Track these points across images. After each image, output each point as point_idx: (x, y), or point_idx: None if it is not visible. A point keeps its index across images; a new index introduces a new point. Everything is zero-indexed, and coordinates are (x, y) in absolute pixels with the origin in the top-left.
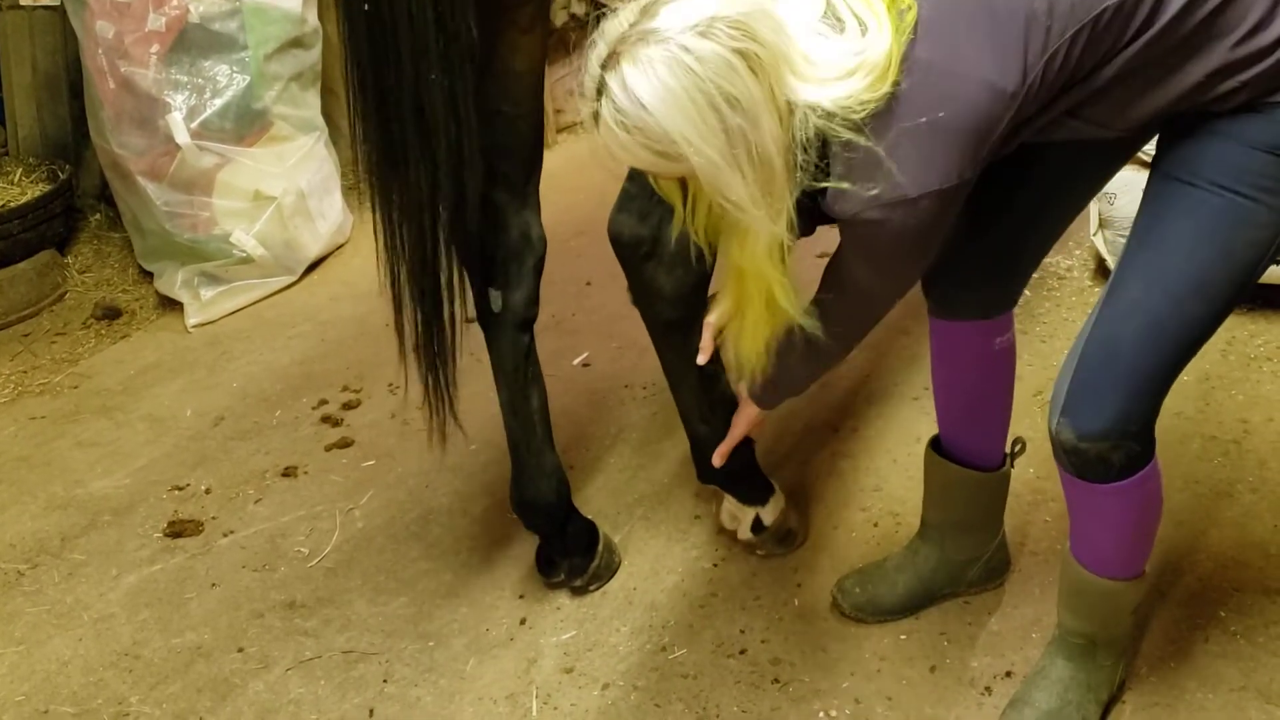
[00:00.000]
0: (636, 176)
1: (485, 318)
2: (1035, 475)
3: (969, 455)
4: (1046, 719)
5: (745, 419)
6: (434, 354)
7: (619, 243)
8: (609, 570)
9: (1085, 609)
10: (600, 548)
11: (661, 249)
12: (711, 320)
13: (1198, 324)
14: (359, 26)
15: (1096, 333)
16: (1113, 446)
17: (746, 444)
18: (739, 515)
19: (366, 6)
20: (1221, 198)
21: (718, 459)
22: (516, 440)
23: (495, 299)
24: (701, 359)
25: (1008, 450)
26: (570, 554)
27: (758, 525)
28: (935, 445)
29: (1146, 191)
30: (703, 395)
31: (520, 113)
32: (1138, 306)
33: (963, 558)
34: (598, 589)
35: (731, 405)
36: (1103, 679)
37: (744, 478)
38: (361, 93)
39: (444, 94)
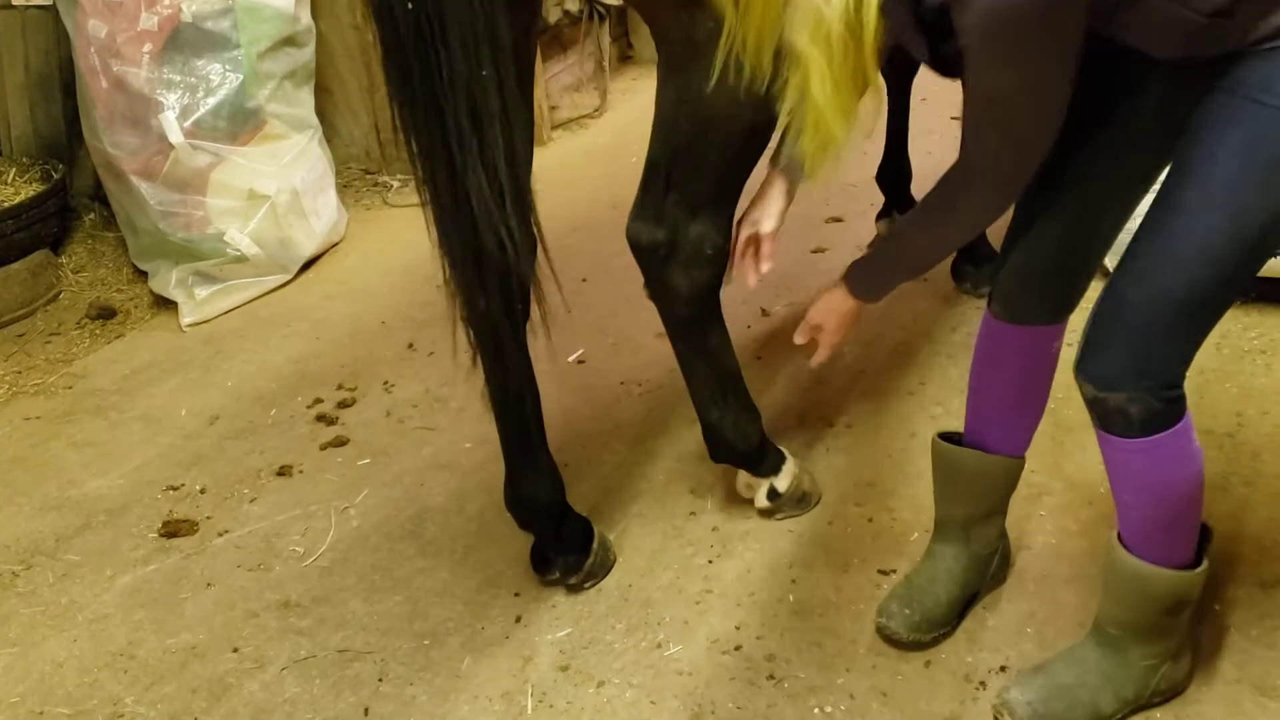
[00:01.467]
0: (649, 184)
1: (474, 319)
2: (1031, 470)
3: (996, 444)
4: (1054, 690)
5: (839, 315)
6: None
7: (637, 247)
8: (604, 568)
9: (1114, 589)
10: (595, 545)
11: (678, 251)
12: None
13: (1204, 289)
14: (402, 28)
15: (1109, 294)
16: (1128, 399)
17: (754, 421)
18: (754, 485)
19: (410, 5)
20: (1233, 165)
21: (800, 338)
22: (510, 441)
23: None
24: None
25: None
26: (565, 552)
27: (773, 493)
28: (948, 438)
29: (1175, 157)
30: (715, 383)
31: (511, 114)
32: (1144, 272)
33: (985, 551)
34: (593, 586)
35: (742, 392)
36: (1129, 676)
37: (754, 455)
38: (408, 97)
39: (496, 90)
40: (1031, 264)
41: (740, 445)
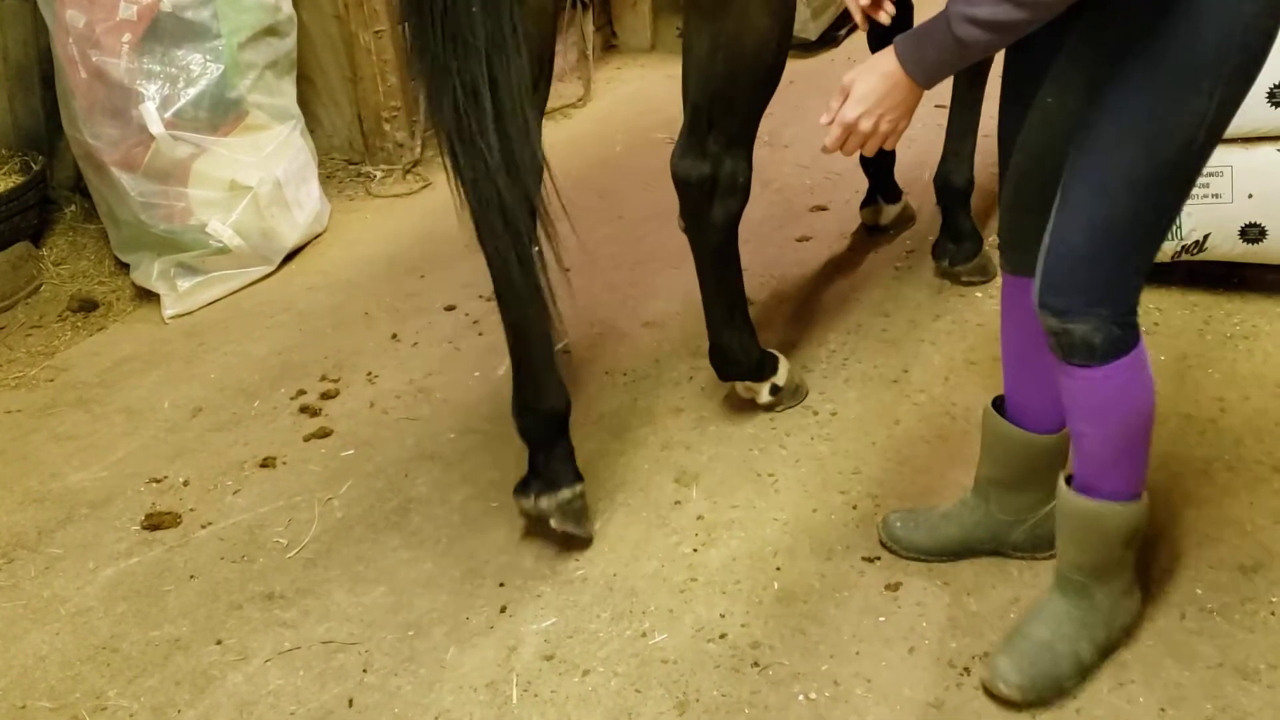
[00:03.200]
0: (695, 124)
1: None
2: None
3: (1026, 417)
4: (1036, 649)
5: (875, 76)
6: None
7: (687, 183)
8: (580, 511)
9: (1074, 535)
10: (580, 486)
11: (719, 184)
12: None
13: (1139, 217)
14: None
15: (1054, 231)
16: (1092, 329)
17: (754, 336)
18: (755, 388)
19: None
20: (1138, 94)
21: (825, 118)
22: (519, 354)
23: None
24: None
25: None
26: (552, 471)
27: (775, 389)
28: (996, 403)
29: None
30: (729, 305)
31: (538, 37)
32: (1080, 209)
33: (1005, 517)
34: (574, 531)
35: (747, 313)
36: (1099, 620)
37: (756, 367)
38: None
39: (484, 26)
40: (1021, 216)
41: (745, 360)
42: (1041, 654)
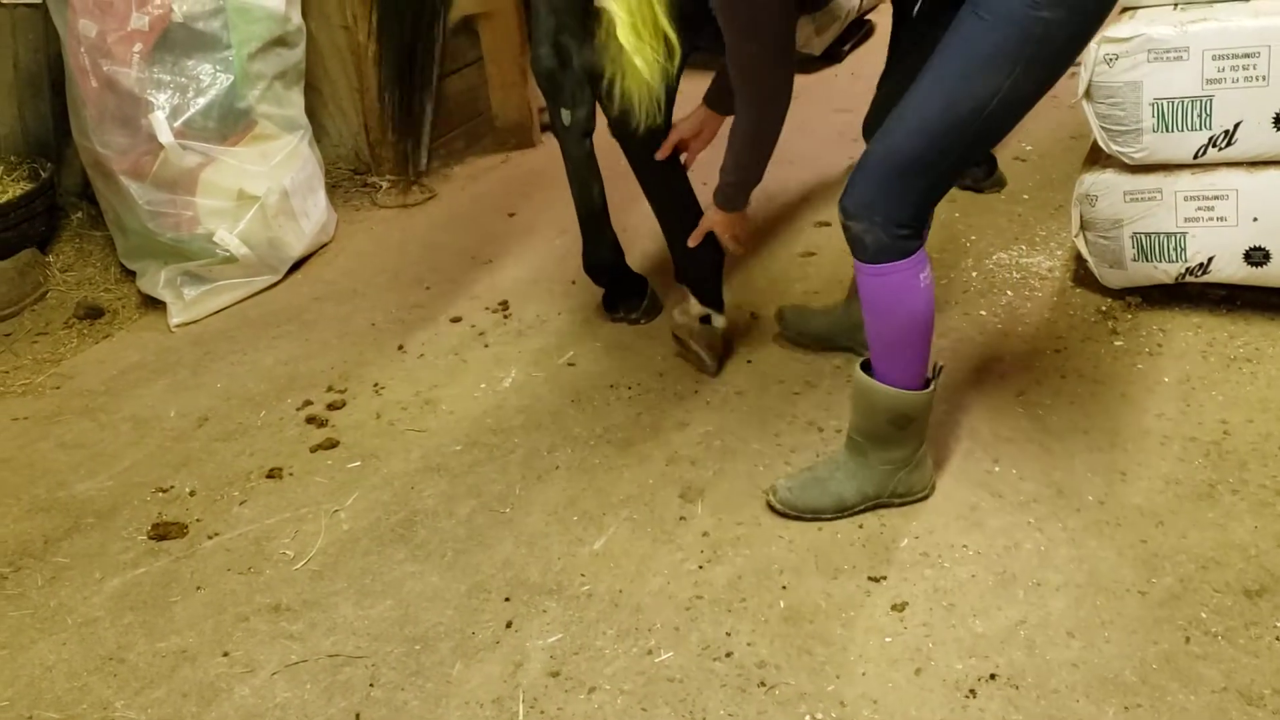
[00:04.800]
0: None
1: (559, 131)
2: (1020, 478)
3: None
4: (811, 481)
5: (719, 225)
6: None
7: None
8: (655, 309)
9: (855, 404)
10: (648, 294)
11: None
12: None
13: (921, 152)
14: None
15: (867, 148)
16: (864, 229)
17: (717, 255)
18: (690, 310)
19: None
20: (955, 61)
21: (691, 241)
22: (583, 218)
23: (566, 116)
24: (660, 154)
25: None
26: (628, 298)
27: (705, 319)
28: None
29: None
30: (680, 216)
31: None
32: (886, 132)
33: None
34: (646, 323)
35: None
36: (870, 477)
37: (710, 285)
38: None
39: None
40: None
41: (701, 265)
42: (813, 487)
